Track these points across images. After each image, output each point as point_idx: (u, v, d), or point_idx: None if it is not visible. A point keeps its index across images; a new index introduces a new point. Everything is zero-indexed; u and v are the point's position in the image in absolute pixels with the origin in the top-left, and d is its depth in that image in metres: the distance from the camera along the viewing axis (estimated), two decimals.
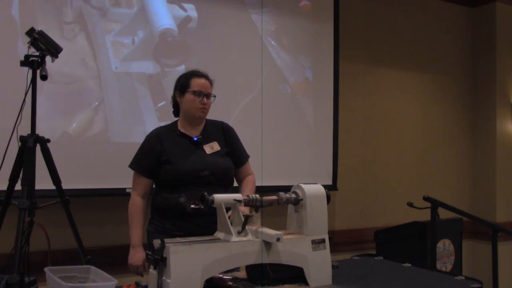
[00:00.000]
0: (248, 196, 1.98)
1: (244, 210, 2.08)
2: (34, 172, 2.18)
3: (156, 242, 1.77)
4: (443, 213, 3.71)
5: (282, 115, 3.77)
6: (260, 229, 1.92)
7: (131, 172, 2.53)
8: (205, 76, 2.55)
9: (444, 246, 4.02)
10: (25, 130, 2.27)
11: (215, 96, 2.56)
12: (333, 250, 2.06)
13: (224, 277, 1.99)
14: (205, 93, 2.51)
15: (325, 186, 2.12)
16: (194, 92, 2.49)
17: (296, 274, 1.97)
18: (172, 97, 2.62)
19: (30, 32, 2.24)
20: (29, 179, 2.15)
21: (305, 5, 3.93)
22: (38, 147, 2.27)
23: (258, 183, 2.68)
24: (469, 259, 4.83)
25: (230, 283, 1.96)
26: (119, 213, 2.82)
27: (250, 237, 1.90)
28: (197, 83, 2.50)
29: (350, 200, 4.28)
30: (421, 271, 2.42)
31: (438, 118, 4.86)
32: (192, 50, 3.41)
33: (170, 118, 3.03)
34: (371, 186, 4.42)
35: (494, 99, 4.93)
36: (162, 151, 2.47)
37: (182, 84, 2.53)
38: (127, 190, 2.71)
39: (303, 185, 2.04)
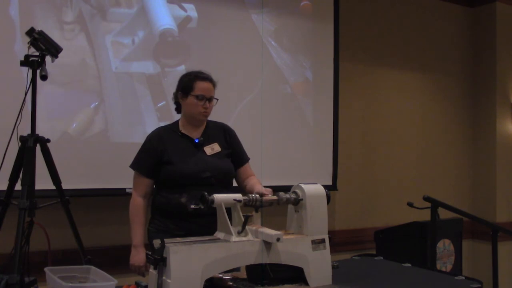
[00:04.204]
0: (248, 196, 1.98)
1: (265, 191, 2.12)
2: (34, 172, 2.18)
3: (156, 242, 1.77)
4: (443, 213, 3.71)
5: (282, 115, 3.77)
6: (260, 229, 1.92)
7: (131, 172, 2.53)
8: (209, 79, 2.53)
9: (444, 246, 4.02)
10: (25, 130, 2.27)
11: (217, 99, 2.55)
12: (333, 250, 2.06)
13: (224, 277, 1.99)
14: (208, 97, 2.50)
15: (325, 186, 2.12)
16: (197, 97, 2.48)
17: (296, 274, 1.97)
18: (174, 94, 2.61)
19: (30, 32, 2.24)
20: (29, 179, 2.15)
21: (305, 5, 3.93)
22: (38, 147, 2.27)
23: None
24: (469, 259, 4.83)
25: (230, 283, 1.96)
26: (119, 213, 2.82)
27: (250, 237, 1.90)
28: (200, 87, 2.49)
29: (350, 200, 4.28)
30: (421, 271, 2.42)
31: (438, 118, 4.86)
32: (192, 50, 3.41)
33: (170, 118, 3.04)
34: (371, 186, 4.42)
35: (494, 99, 4.93)
36: (164, 152, 2.47)
37: (185, 86, 2.52)
38: (127, 190, 2.72)
39: (303, 185, 2.04)
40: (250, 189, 2.46)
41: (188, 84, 2.51)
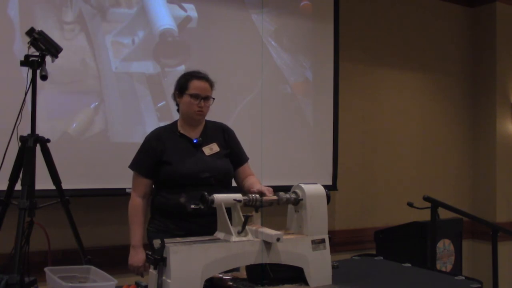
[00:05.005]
0: (248, 196, 1.98)
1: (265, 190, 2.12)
2: (34, 172, 2.18)
3: (156, 242, 1.77)
4: (443, 213, 3.71)
5: (282, 115, 3.77)
6: (260, 229, 1.92)
7: (131, 172, 2.53)
8: (205, 78, 2.53)
9: (444, 246, 4.02)
10: (25, 130, 2.27)
11: (213, 98, 2.55)
12: (333, 250, 2.06)
13: (224, 277, 1.99)
14: (203, 96, 2.49)
15: (325, 186, 2.12)
16: (191, 95, 2.48)
17: (296, 274, 1.97)
18: (172, 95, 2.61)
19: (30, 32, 2.23)
20: (29, 179, 2.15)
21: (305, 5, 3.93)
22: (38, 147, 2.27)
23: None
24: (469, 259, 4.83)
25: (230, 283, 1.96)
26: (119, 213, 2.82)
27: (250, 237, 1.90)
28: (195, 86, 2.49)
29: (350, 200, 4.28)
30: (421, 271, 2.42)
31: (438, 118, 4.86)
32: (192, 50, 3.41)
33: (170, 118, 3.04)
34: (371, 186, 4.42)
35: (494, 99, 4.93)
36: (163, 151, 2.47)
37: (181, 85, 2.53)
38: (127, 190, 2.71)
39: (303, 185, 2.04)
40: (248, 186, 2.45)
41: (183, 84, 2.52)
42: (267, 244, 1.90)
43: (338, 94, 4.03)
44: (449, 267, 4.03)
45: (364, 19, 4.40)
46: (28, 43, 2.24)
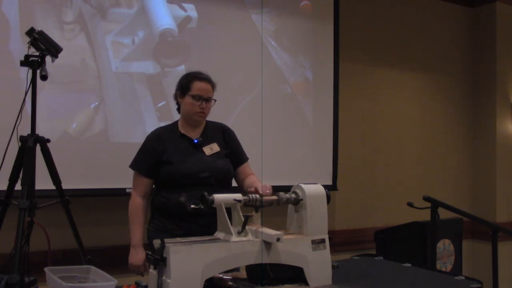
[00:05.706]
0: (248, 196, 1.98)
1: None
2: (34, 172, 2.18)
3: (156, 242, 1.77)
4: (443, 213, 3.71)
5: (282, 115, 3.77)
6: (260, 229, 1.92)
7: (131, 172, 2.53)
8: (207, 80, 2.54)
9: (444, 246, 4.02)
10: (25, 130, 2.27)
11: (215, 100, 2.55)
12: (333, 250, 2.06)
13: (224, 277, 1.99)
14: (205, 98, 2.50)
15: (325, 186, 2.12)
16: (194, 96, 2.48)
17: (296, 274, 1.97)
18: (174, 95, 2.62)
19: (30, 32, 2.24)
20: (29, 179, 2.15)
21: (305, 5, 3.93)
22: (38, 147, 2.27)
23: None
24: (469, 259, 4.83)
25: (230, 283, 1.96)
26: (119, 213, 2.82)
27: (250, 237, 1.90)
28: (197, 87, 2.49)
29: (350, 200, 4.28)
30: (421, 271, 2.42)
31: (438, 118, 4.86)
32: (192, 50, 3.41)
33: (170, 118, 3.04)
34: (371, 186, 4.42)
35: (494, 99, 4.93)
36: (164, 151, 2.47)
37: (183, 86, 2.53)
38: (127, 190, 2.72)
39: (303, 185, 2.04)
40: (249, 185, 2.45)
41: (186, 84, 2.52)
42: (267, 244, 1.90)
43: (338, 94, 4.03)
44: (449, 267, 4.04)
45: (364, 19, 4.40)
46: (28, 43, 2.24)
